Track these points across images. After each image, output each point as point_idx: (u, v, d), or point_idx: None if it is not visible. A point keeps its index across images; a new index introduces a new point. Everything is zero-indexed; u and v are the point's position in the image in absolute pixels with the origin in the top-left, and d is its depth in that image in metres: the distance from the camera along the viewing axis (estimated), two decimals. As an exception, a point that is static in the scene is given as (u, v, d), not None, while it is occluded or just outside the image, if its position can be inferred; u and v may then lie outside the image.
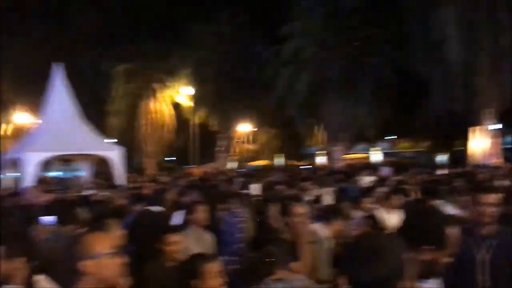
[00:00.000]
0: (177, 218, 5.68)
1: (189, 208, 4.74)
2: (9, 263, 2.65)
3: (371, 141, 30.64)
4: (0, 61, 33.69)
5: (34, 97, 32.64)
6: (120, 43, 29.72)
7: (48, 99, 14.82)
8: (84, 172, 16.82)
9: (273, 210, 4.82)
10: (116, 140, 25.06)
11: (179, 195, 7.72)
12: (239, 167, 30.52)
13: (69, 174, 20.88)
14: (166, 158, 34.71)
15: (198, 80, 28.33)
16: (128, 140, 27.21)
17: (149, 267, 3.57)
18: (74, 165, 26.20)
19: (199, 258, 2.83)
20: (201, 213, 4.59)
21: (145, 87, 29.40)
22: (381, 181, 9.30)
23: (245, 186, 9.40)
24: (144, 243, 3.74)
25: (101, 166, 22.92)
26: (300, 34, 25.01)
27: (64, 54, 28.67)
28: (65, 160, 25.67)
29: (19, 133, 30.43)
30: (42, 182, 15.80)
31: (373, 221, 4.53)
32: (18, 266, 2.70)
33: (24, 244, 2.85)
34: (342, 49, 24.24)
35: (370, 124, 25.50)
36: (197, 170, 24.71)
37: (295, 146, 34.18)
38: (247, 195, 6.53)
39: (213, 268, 2.68)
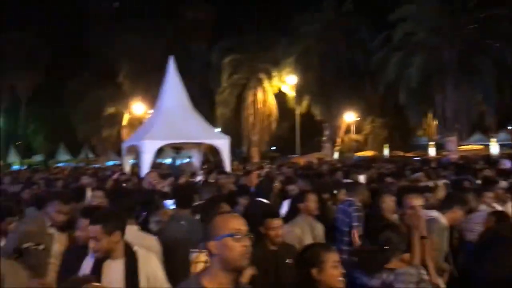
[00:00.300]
0: (285, 206, 5.73)
1: (299, 197, 4.73)
2: (108, 238, 2.87)
3: (489, 131, 28.23)
4: (118, 55, 36.69)
5: (149, 89, 35.07)
6: (228, 34, 30.63)
7: (162, 90, 15.66)
8: (193, 159, 17.62)
9: (387, 202, 4.64)
10: (220, 129, 26.00)
11: (284, 184, 7.79)
12: (343, 157, 30.00)
13: (179, 161, 22.14)
14: (269, 147, 35.25)
15: (302, 69, 28.23)
16: (234, 129, 28.06)
17: (253, 251, 3.65)
18: (185, 153, 27.72)
19: (318, 247, 2.82)
20: (312, 202, 4.56)
21: (251, 77, 30.02)
22: (503, 175, 8.57)
23: (349, 176, 9.23)
24: (251, 229, 3.84)
25: (209, 153, 24.00)
26: (412, 18, 23.77)
27: (176, 46, 30.35)
28: (176, 148, 27.23)
29: (135, 123, 32.86)
30: (157, 168, 16.93)
31: (500, 217, 4.15)
32: (115, 240, 2.90)
33: (120, 220, 3.03)
34: (458, 32, 22.61)
35: (489, 113, 23.59)
36: (300, 160, 24.80)
37: (403, 136, 32.73)
38: (356, 184, 6.35)
39: (333, 257, 2.65)
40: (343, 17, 28.68)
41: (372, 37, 25.98)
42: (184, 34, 36.42)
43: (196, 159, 17.18)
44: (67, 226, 3.89)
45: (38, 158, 46.72)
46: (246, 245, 2.02)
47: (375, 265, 2.92)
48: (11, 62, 40.03)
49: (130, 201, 3.81)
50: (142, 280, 2.94)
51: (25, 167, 37.88)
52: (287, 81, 28.99)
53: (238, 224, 2.06)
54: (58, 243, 3.85)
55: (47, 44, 41.87)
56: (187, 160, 20.28)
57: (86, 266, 2.96)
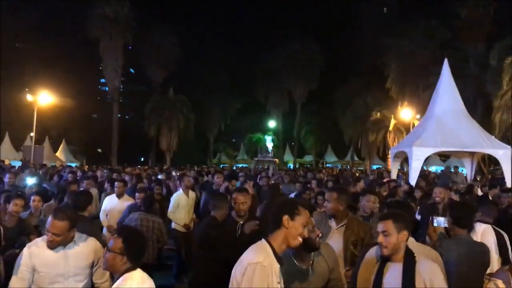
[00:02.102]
0: None
1: None
2: (396, 235, 2.98)
3: None
4: (387, 60, 36.75)
5: (417, 93, 34.05)
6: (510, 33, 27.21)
7: (435, 94, 14.90)
8: (464, 169, 16.27)
9: None
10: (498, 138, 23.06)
11: None
12: None
13: (447, 170, 20.70)
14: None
15: None
16: (514, 137, 24.61)
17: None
18: (451, 161, 25.80)
19: None
20: None
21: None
22: None
23: None
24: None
25: (481, 164, 21.60)
26: None
27: (449, 48, 28.61)
28: (444, 156, 25.50)
29: (402, 128, 32.34)
30: (426, 176, 16.19)
31: None
32: (402, 239, 3.02)
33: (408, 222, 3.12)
34: None
35: None
36: None
37: None
38: None
39: None
40: None
41: None
42: (458, 35, 34.11)
43: (468, 169, 15.82)
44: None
45: (308, 158, 51.03)
46: None
47: None
48: (290, 70, 44.88)
49: (406, 213, 3.65)
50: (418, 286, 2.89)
51: (297, 165, 41.93)
52: None
53: None
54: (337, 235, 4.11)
55: (322, 52, 45.29)
56: (454, 169, 18.78)
57: (370, 268, 3.09)
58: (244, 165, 37.01)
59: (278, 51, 45.91)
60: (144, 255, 3.02)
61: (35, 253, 3.44)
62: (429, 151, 13.46)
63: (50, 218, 3.42)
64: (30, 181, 9.35)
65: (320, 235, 3.17)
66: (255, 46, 53.26)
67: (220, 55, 48.35)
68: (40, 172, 14.33)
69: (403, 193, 8.39)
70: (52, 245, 3.41)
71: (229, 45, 50.30)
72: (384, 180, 10.95)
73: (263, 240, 2.66)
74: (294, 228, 2.63)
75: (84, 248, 3.55)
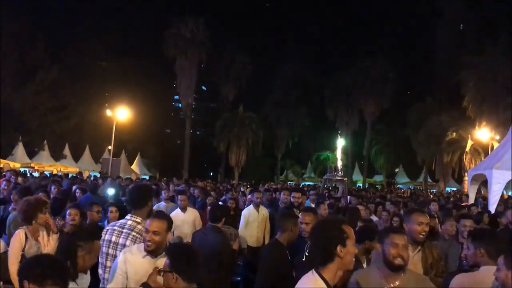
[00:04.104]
0: None
1: None
2: None
3: None
4: (463, 79, 35.18)
5: (496, 113, 32.27)
6: None
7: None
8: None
9: None
10: None
11: None
12: None
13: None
14: None
15: None
16: None
17: None
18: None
19: None
20: None
21: None
22: None
23: None
24: None
25: None
26: None
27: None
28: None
29: (479, 149, 30.66)
30: (505, 202, 15.14)
31: None
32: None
33: None
34: None
35: None
36: None
37: None
38: None
39: None
40: None
41: None
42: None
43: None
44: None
45: (378, 178, 49.65)
46: None
47: None
48: (360, 88, 44.21)
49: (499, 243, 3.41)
50: None
51: (367, 185, 40.95)
52: None
53: None
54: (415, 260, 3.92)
55: (394, 70, 44.25)
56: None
57: None
58: (311, 183, 36.75)
59: (348, 68, 45.48)
60: (197, 271, 2.77)
61: (129, 259, 3.39)
62: (509, 174, 12.66)
63: (149, 220, 3.40)
64: (110, 191, 9.85)
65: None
66: (325, 63, 53.21)
67: (290, 73, 48.72)
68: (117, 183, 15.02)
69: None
70: (149, 247, 3.32)
71: (299, 63, 50.46)
72: (463, 204, 10.40)
73: (314, 272, 2.44)
74: (349, 254, 2.43)
75: None
